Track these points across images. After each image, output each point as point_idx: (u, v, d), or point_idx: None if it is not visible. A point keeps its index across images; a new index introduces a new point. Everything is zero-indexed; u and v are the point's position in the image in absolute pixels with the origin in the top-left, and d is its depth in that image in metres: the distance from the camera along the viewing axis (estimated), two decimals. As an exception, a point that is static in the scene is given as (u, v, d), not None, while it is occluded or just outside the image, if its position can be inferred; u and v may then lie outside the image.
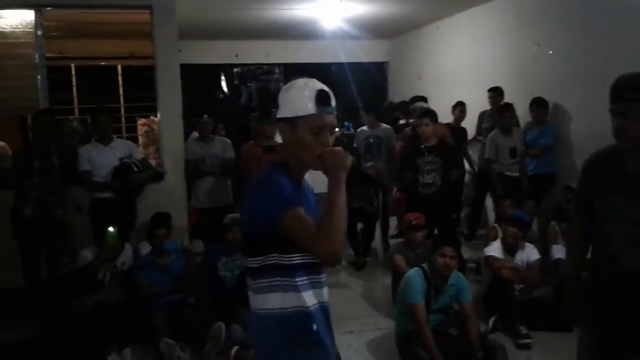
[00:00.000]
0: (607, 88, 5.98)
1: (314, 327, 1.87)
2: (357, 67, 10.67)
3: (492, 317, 4.48)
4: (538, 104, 6.44)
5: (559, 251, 4.74)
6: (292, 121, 1.86)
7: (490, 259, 4.62)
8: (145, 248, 4.84)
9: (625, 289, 2.15)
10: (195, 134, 5.79)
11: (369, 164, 6.66)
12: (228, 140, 5.77)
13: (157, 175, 5.53)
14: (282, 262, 1.83)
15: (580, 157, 6.25)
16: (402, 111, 7.98)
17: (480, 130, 7.22)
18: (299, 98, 1.85)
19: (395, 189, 6.79)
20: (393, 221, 6.92)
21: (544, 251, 5.02)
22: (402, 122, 7.57)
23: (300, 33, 9.27)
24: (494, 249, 4.67)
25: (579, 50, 6.19)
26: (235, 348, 4.03)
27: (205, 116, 5.61)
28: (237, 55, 10.47)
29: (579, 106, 6.29)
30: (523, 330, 4.19)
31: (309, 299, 1.87)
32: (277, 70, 11.24)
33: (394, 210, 6.81)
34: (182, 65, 6.12)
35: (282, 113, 1.89)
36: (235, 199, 5.65)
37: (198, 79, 9.75)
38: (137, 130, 7.34)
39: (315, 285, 1.90)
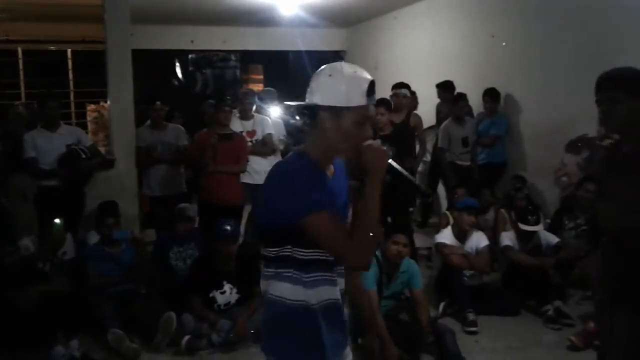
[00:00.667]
0: (557, 80, 6.12)
1: (317, 324, 1.82)
2: (315, 56, 10.60)
3: (442, 303, 4.57)
4: (490, 95, 6.57)
5: (507, 238, 4.85)
6: (339, 110, 1.75)
7: (441, 245, 4.69)
8: (94, 237, 4.72)
9: (621, 248, 2.32)
10: (148, 121, 5.66)
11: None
12: (182, 128, 5.67)
13: (107, 163, 5.40)
14: (296, 255, 1.80)
15: (530, 146, 6.50)
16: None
17: (439, 120, 7.29)
18: (353, 88, 1.75)
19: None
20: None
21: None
22: None
23: (258, 20, 9.15)
24: (445, 236, 4.75)
25: (531, 43, 6.33)
26: (187, 337, 3.98)
27: (158, 102, 5.48)
28: (192, 41, 10.28)
29: (529, 97, 6.45)
30: (471, 316, 4.28)
31: (317, 295, 1.82)
32: (233, 57, 11.13)
33: (351, 199, 6.83)
34: (135, 51, 5.97)
35: (326, 101, 1.76)
36: (189, 188, 5.56)
37: (152, 64, 9.54)
38: (86, 116, 7.13)
39: (326, 282, 1.84)
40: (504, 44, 6.75)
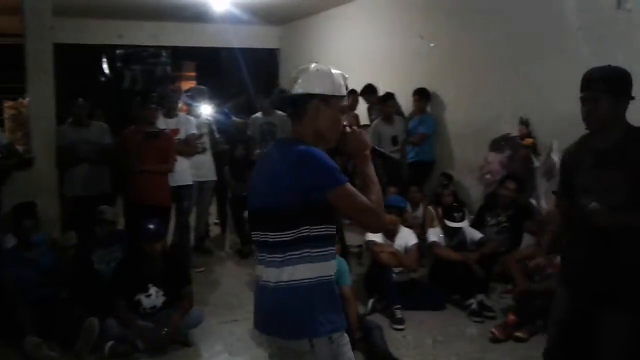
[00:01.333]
0: (482, 80, 6.25)
1: (333, 293, 1.99)
2: (248, 53, 10.53)
3: (371, 299, 4.63)
4: (420, 94, 6.72)
5: (433, 234, 4.97)
6: (328, 99, 1.98)
7: (371, 243, 4.75)
8: (11, 241, 4.48)
9: (595, 248, 2.43)
10: (70, 119, 5.42)
11: (257, 151, 6.61)
12: (105, 125, 5.46)
13: (24, 162, 5.13)
14: (313, 233, 1.92)
15: (457, 145, 6.69)
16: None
17: (371, 119, 7.38)
18: (338, 79, 2.00)
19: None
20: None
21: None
22: None
23: (189, 15, 8.98)
24: (375, 234, 4.81)
25: (457, 43, 6.51)
26: (110, 343, 3.85)
27: (80, 99, 5.26)
28: (120, 36, 9.95)
29: (456, 97, 6.64)
30: (398, 313, 4.36)
31: (332, 268, 1.99)
32: (164, 54, 10.84)
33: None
34: (58, 45, 5.70)
35: (316, 89, 1.97)
36: (114, 188, 5.37)
37: (77, 60, 9.14)
38: (3, 113, 6.76)
39: (332, 257, 2.01)
40: (432, 44, 6.92)
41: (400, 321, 4.32)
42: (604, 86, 2.37)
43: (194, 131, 5.60)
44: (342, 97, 2.03)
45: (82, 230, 4.85)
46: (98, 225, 4.49)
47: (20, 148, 5.39)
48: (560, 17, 5.13)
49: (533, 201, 5.33)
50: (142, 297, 4.12)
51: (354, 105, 7.44)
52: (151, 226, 4.13)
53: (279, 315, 1.97)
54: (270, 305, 1.98)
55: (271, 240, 1.96)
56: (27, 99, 5.52)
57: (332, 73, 2.01)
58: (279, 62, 11.53)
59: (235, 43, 10.23)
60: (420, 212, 5.99)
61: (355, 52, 8.55)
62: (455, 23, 6.57)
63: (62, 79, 5.77)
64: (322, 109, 1.98)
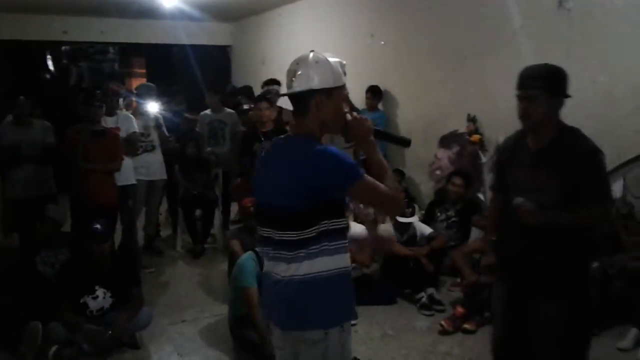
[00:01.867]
0: (432, 78, 6.36)
1: (349, 284, 2.07)
2: (200, 50, 10.40)
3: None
4: (373, 91, 6.78)
5: (385, 230, 5.02)
6: (331, 91, 1.99)
7: (323, 240, 4.76)
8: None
9: (524, 243, 2.47)
10: (10, 117, 5.23)
11: (208, 149, 6.54)
12: (48, 124, 5.27)
13: (-38, 164, 4.92)
14: (332, 227, 1.98)
15: (408, 142, 6.76)
16: (245, 96, 7.92)
17: None
18: (337, 68, 1.99)
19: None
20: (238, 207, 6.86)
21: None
22: (245, 107, 7.51)
23: (138, 11, 8.80)
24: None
25: (407, 42, 6.60)
26: (54, 348, 3.74)
27: (22, 97, 5.07)
28: (65, 32, 9.63)
29: (407, 94, 6.73)
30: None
31: (346, 260, 2.05)
32: (111, 50, 10.58)
33: (235, 196, 6.77)
34: (-2, 41, 5.50)
35: (320, 84, 1.97)
36: (59, 188, 5.20)
37: (19, 56, 8.81)
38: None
39: (346, 250, 2.06)
40: (382, 42, 7.00)
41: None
42: (540, 84, 2.37)
43: (136, 129, 5.48)
44: (343, 86, 2.03)
45: (25, 232, 4.69)
46: (40, 223, 4.34)
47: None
48: (504, 15, 5.26)
49: (481, 196, 5.46)
50: (88, 300, 4.02)
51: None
52: (97, 226, 4.03)
53: (298, 307, 2.01)
54: (289, 299, 2.02)
55: (287, 238, 1.98)
56: (-36, 97, 5.30)
57: (330, 63, 1.99)
58: (231, 59, 11.44)
59: (186, 40, 10.08)
60: (371, 208, 6.04)
61: (307, 49, 8.50)
62: (405, 22, 6.66)
63: (4, 76, 5.56)
64: (325, 102, 1.99)
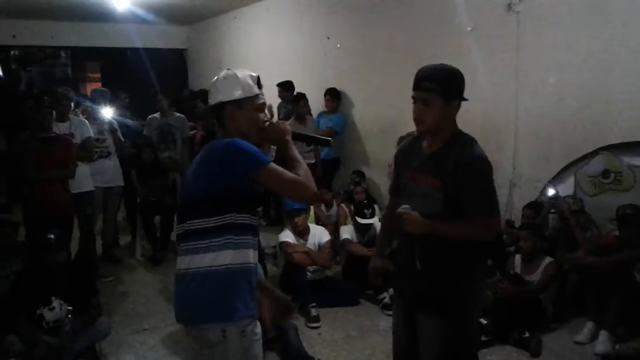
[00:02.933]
0: (388, 80, 6.45)
1: (252, 282, 2.08)
2: (155, 54, 10.25)
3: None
4: (331, 94, 6.83)
5: (346, 232, 5.06)
6: (240, 102, 2.12)
7: (284, 244, 4.77)
8: None
9: (409, 252, 2.35)
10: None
11: (165, 154, 6.44)
12: (-3, 131, 5.13)
13: None
14: (238, 221, 2.04)
15: (367, 143, 6.85)
16: (202, 99, 7.85)
17: (280, 119, 7.40)
18: (246, 82, 2.14)
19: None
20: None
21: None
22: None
23: (89, 14, 8.61)
24: (287, 235, 4.84)
25: (363, 44, 6.68)
26: (11, 361, 3.62)
27: (-32, 104, 4.91)
28: (14, 36, 9.35)
29: (365, 97, 6.80)
30: (313, 312, 4.39)
31: (252, 257, 2.08)
32: (63, 54, 10.33)
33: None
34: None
35: (228, 97, 2.12)
36: (10, 197, 5.05)
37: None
38: None
39: (254, 247, 2.11)
40: (338, 45, 7.05)
41: (316, 319, 4.36)
42: (434, 86, 2.23)
43: (90, 134, 5.34)
44: (255, 96, 2.15)
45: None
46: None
47: None
48: (456, 17, 5.38)
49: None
50: (44, 311, 3.88)
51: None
52: (51, 236, 3.92)
53: (197, 300, 2.04)
54: (189, 291, 2.05)
55: (195, 227, 2.05)
56: None
57: (238, 77, 2.14)
58: (187, 62, 11.31)
59: (140, 43, 9.92)
60: (334, 210, 6.08)
61: (265, 53, 8.54)
62: (361, 24, 6.72)
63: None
64: (237, 113, 2.13)
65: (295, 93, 7.00)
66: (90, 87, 10.40)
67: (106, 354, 3.95)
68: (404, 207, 2.28)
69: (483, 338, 3.89)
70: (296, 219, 4.79)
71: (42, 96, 5.00)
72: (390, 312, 4.47)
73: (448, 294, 2.29)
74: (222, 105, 2.14)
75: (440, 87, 2.23)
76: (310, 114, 6.92)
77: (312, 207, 5.50)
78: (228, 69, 2.19)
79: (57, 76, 10.12)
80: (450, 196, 2.21)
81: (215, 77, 2.20)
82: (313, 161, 6.60)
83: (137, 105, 7.58)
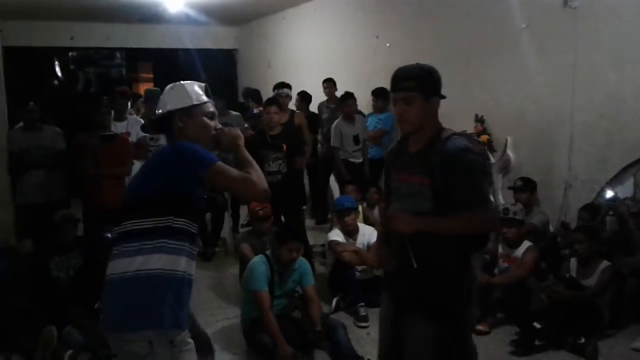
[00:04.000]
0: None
1: (184, 291, 2.02)
2: (206, 54, 10.44)
3: (335, 298, 4.66)
4: (379, 94, 6.79)
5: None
6: (189, 110, 2.14)
7: (333, 243, 4.78)
8: (-38, 250, 4.34)
9: (399, 252, 2.29)
10: (21, 123, 5.27)
11: (215, 153, 6.54)
12: (58, 130, 5.32)
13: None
14: (175, 225, 1.99)
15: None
16: (252, 99, 7.96)
17: (320, 120, 7.39)
18: (193, 90, 2.17)
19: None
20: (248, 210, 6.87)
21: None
22: (256, 111, 7.50)
23: (143, 16, 8.84)
24: (336, 234, 4.84)
25: (413, 44, 6.60)
26: (70, 352, 3.76)
27: (31, 103, 5.12)
28: (72, 38, 9.69)
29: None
30: (362, 311, 4.38)
31: (185, 265, 2.03)
32: (118, 55, 10.64)
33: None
34: (7, 48, 5.54)
35: (176, 105, 2.15)
36: (69, 194, 5.24)
37: (27, 63, 8.86)
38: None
39: (190, 255, 2.06)
40: (387, 44, 7.01)
41: (364, 319, 4.35)
42: (413, 85, 2.24)
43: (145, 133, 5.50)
44: (203, 104, 2.17)
45: (37, 238, 4.73)
46: (61, 229, 4.36)
47: (-32, 155, 5.21)
48: (508, 15, 5.27)
49: (490, 196, 5.45)
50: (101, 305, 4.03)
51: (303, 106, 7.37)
52: (107, 235, 4.03)
53: (122, 306, 1.96)
54: (118, 296, 1.97)
55: (129, 229, 2.00)
56: (-24, 105, 5.34)
57: (184, 86, 2.19)
58: (237, 63, 11.47)
59: (192, 44, 10.14)
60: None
61: (313, 52, 8.59)
62: (410, 23, 6.67)
63: (12, 82, 5.61)
64: (186, 121, 2.14)
65: (343, 92, 7.00)
66: (142, 88, 10.67)
67: (160, 348, 4.05)
68: (393, 208, 2.32)
69: (537, 342, 3.82)
70: (346, 218, 4.79)
71: (100, 96, 5.17)
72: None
73: (436, 295, 2.25)
74: (170, 114, 2.15)
75: (418, 85, 2.24)
76: (359, 113, 6.90)
77: (360, 206, 5.50)
78: (180, 82, 2.22)
79: (112, 77, 10.44)
80: (439, 192, 2.19)
81: (164, 90, 2.22)
82: (360, 160, 6.59)
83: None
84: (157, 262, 1.95)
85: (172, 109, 2.15)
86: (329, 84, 7.27)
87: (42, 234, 4.76)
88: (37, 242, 4.92)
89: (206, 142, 2.14)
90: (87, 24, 9.63)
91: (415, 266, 2.23)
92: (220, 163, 2.02)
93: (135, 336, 1.93)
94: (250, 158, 2.15)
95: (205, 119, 2.16)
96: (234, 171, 2.05)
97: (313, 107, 7.50)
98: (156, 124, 2.23)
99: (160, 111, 2.19)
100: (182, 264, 2.01)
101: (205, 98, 2.18)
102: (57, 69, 10.20)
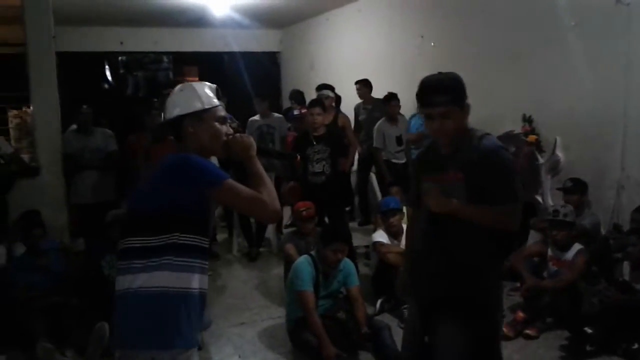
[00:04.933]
0: (484, 78, 6.25)
1: (191, 309, 1.93)
2: (250, 57, 10.57)
3: (380, 299, 4.64)
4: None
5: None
6: (200, 114, 2.02)
7: (378, 244, 4.76)
8: (20, 249, 4.52)
9: (430, 255, 2.35)
10: (74, 126, 5.47)
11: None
12: (110, 132, 5.50)
13: (29, 170, 5.16)
14: (181, 241, 1.90)
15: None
16: (295, 101, 8.00)
17: (357, 122, 7.37)
18: (204, 93, 2.04)
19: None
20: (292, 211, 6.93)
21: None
22: (296, 112, 7.56)
23: (189, 20, 9.02)
24: (381, 235, 4.83)
25: (458, 42, 6.53)
26: (121, 348, 3.87)
27: (85, 106, 5.30)
28: (121, 43, 10.00)
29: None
30: (406, 313, 4.35)
31: (195, 282, 1.94)
32: (165, 59, 10.90)
33: (288, 200, 6.83)
34: (60, 53, 5.74)
35: (187, 109, 2.02)
36: (120, 194, 5.40)
37: (79, 67, 9.18)
38: (8, 122, 6.80)
39: (202, 271, 1.98)
40: (432, 44, 6.94)
41: (408, 320, 4.32)
42: (449, 99, 2.25)
43: None
44: (214, 107, 2.06)
45: (90, 237, 4.89)
46: (113, 229, 4.50)
47: (26, 157, 5.43)
48: (557, 13, 5.14)
49: (539, 198, 5.34)
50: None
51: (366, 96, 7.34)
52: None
53: (128, 323, 1.90)
54: (121, 313, 1.93)
55: (135, 245, 1.92)
56: (32, 108, 5.56)
57: (195, 89, 2.06)
58: (280, 65, 11.57)
59: (236, 47, 10.28)
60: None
61: (356, 53, 8.58)
62: (455, 22, 6.58)
63: (65, 86, 5.81)
64: (197, 126, 2.02)
65: (387, 93, 6.97)
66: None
67: (207, 345, 4.12)
68: (428, 185, 2.33)
69: (588, 348, 3.72)
70: (391, 220, 4.77)
71: (151, 99, 5.31)
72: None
73: (470, 292, 2.27)
74: (180, 118, 2.03)
75: (454, 98, 2.26)
76: (402, 114, 6.86)
77: (405, 208, 5.45)
78: (186, 83, 2.13)
79: (160, 80, 10.69)
80: (473, 188, 2.24)
81: (172, 92, 2.11)
82: (404, 161, 6.55)
83: (235, 108, 7.82)
84: (162, 280, 1.87)
85: (182, 114, 2.03)
86: (361, 85, 7.24)
87: (94, 233, 4.91)
88: (89, 241, 5.09)
89: (218, 149, 2.08)
90: (135, 29, 9.90)
91: (444, 270, 2.27)
92: (230, 180, 1.92)
93: (138, 354, 1.89)
94: (263, 172, 2.03)
95: (216, 124, 2.05)
96: (244, 190, 1.94)
97: (351, 109, 7.48)
98: (165, 129, 2.12)
99: (168, 115, 2.06)
100: (196, 281, 1.94)
101: (216, 101, 2.07)
102: (108, 73, 10.53)
